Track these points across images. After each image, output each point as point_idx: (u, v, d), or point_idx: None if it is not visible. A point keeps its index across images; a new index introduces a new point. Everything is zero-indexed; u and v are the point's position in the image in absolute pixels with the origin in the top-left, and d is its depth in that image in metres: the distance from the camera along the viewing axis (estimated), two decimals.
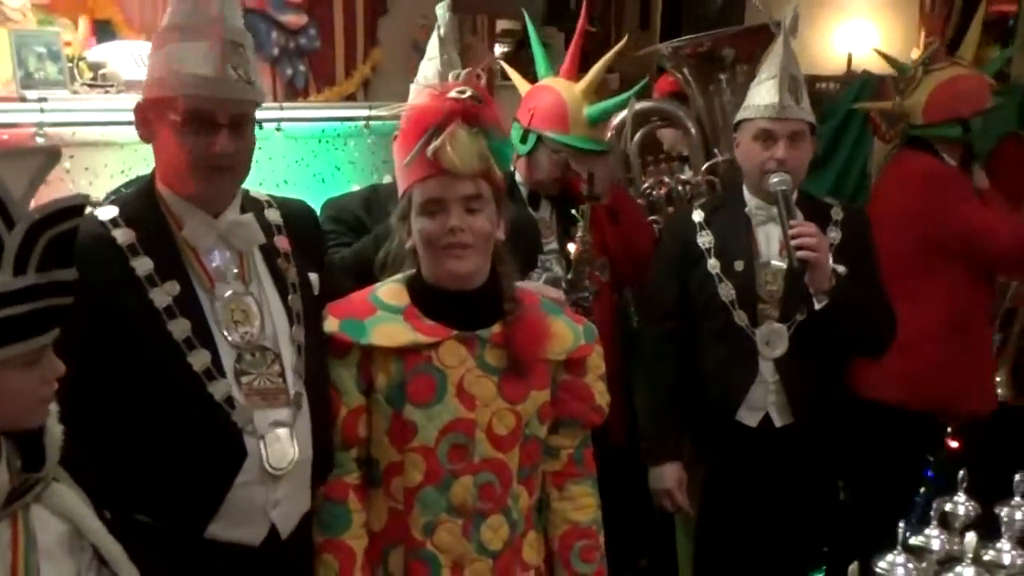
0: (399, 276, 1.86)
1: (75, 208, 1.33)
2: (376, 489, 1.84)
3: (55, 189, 2.39)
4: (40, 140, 2.39)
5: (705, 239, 2.57)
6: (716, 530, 2.64)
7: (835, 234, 2.51)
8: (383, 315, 1.80)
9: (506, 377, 1.81)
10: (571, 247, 2.56)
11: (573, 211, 2.58)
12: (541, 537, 1.95)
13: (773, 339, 2.47)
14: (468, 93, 1.72)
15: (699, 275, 2.55)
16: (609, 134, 3.26)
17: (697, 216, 2.62)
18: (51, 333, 1.33)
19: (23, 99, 2.52)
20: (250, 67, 1.68)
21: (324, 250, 1.99)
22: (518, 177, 2.78)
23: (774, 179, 2.42)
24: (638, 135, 3.48)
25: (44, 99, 2.49)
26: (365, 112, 3.06)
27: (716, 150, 3.44)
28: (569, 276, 2.53)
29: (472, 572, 1.82)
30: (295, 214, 1.88)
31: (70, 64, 2.72)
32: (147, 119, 1.69)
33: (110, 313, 1.62)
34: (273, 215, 1.83)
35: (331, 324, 1.80)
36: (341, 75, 4.60)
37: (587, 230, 2.53)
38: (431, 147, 1.70)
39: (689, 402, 2.60)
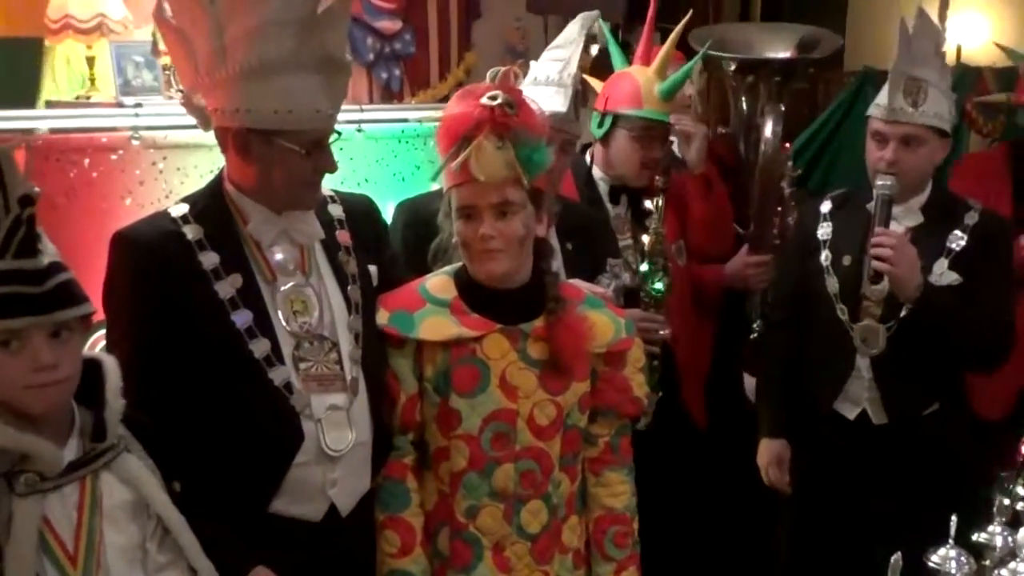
0: (447, 268, 1.94)
1: (29, 197, 1.41)
2: (428, 472, 1.93)
3: (149, 189, 2.56)
4: (135, 143, 2.54)
5: (824, 230, 2.57)
6: (808, 518, 2.63)
7: (961, 240, 2.46)
8: (431, 308, 1.87)
9: (547, 370, 1.87)
10: (645, 238, 2.58)
11: (647, 203, 2.59)
12: (583, 521, 2.00)
13: (869, 337, 2.44)
14: (499, 100, 1.75)
15: (813, 265, 2.56)
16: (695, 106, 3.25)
17: (824, 207, 2.61)
18: (22, 319, 1.41)
19: (121, 104, 2.69)
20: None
21: (384, 243, 2.07)
22: (596, 172, 2.82)
23: (879, 182, 2.42)
24: None
25: (140, 104, 2.65)
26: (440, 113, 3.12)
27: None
28: (643, 268, 2.55)
29: (512, 553, 1.89)
30: (357, 209, 1.97)
31: (166, 72, 2.88)
32: (247, 144, 1.74)
33: (179, 304, 1.73)
34: (336, 210, 1.92)
35: (382, 317, 1.88)
36: (435, 78, 4.73)
37: (660, 221, 2.55)
38: (457, 160, 1.76)
39: (793, 388, 2.62)
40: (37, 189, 1.42)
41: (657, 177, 2.67)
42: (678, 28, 2.83)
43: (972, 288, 2.41)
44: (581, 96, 2.42)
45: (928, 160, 2.45)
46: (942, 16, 2.89)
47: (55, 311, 1.43)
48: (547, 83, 2.38)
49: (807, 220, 2.67)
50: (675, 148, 3.05)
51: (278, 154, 1.72)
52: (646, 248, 2.60)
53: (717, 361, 3.07)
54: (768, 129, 3.22)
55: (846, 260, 2.50)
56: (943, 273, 2.42)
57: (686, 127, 2.75)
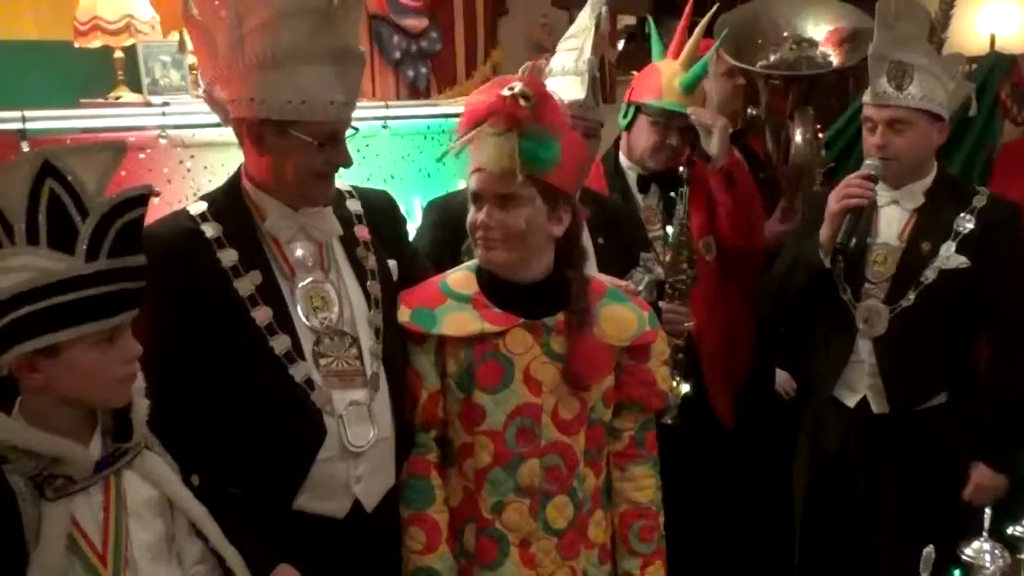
0: (468, 263, 1.93)
1: (140, 198, 1.45)
2: (452, 468, 1.92)
3: (177, 187, 2.57)
4: (163, 142, 2.56)
5: None
6: (818, 509, 2.62)
7: (968, 222, 2.44)
8: (452, 303, 1.86)
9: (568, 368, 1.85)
10: (669, 229, 2.57)
11: (672, 193, 2.58)
12: (608, 516, 1.99)
13: (872, 318, 2.44)
14: (516, 90, 1.74)
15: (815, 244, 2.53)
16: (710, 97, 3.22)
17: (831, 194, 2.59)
18: (123, 315, 1.44)
19: (149, 104, 2.71)
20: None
21: (404, 238, 2.07)
22: (625, 162, 2.81)
23: (867, 161, 2.45)
24: None
25: (167, 103, 2.67)
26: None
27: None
28: (667, 259, 2.54)
29: (538, 549, 1.88)
30: (375, 204, 1.97)
31: (192, 72, 2.91)
32: (261, 134, 1.74)
33: (198, 301, 1.74)
34: (354, 205, 1.92)
35: (403, 314, 1.87)
36: (462, 76, 4.71)
37: (686, 212, 2.53)
38: (458, 145, 1.77)
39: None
40: (157, 190, 1.45)
41: (681, 168, 2.66)
42: (703, 21, 2.82)
43: (982, 272, 2.40)
44: (600, 84, 2.40)
45: (920, 143, 2.45)
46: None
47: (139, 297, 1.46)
48: (564, 73, 2.37)
49: (816, 204, 2.65)
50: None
51: (291, 145, 1.72)
52: (670, 239, 2.59)
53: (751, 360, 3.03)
54: (799, 135, 3.21)
55: (852, 241, 2.47)
56: (950, 256, 2.41)
57: (704, 120, 2.73)
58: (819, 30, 3.30)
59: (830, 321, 2.53)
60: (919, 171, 2.49)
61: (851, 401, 2.51)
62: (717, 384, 2.82)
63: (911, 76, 2.40)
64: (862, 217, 2.45)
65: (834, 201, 2.44)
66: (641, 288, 2.21)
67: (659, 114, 2.70)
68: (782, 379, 3.21)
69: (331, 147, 1.75)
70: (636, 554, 1.97)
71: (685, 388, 2.55)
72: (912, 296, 2.41)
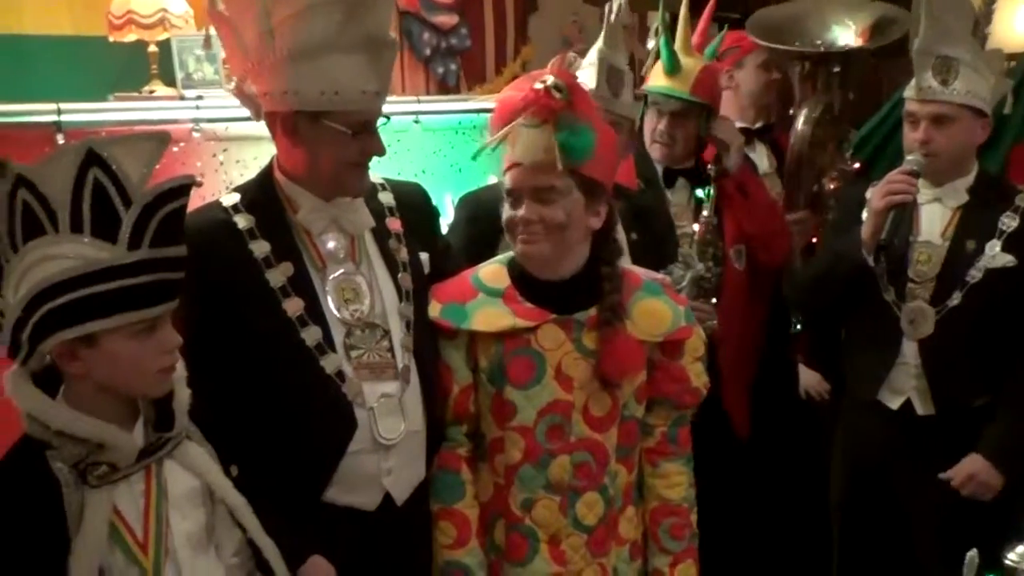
0: (501, 257, 1.92)
1: (183, 188, 1.45)
2: (483, 463, 1.91)
3: (210, 180, 2.58)
4: (196, 135, 2.57)
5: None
6: (857, 514, 2.58)
7: (1012, 221, 2.40)
8: (483, 298, 1.86)
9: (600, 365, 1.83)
10: (695, 227, 2.56)
11: (699, 191, 2.57)
12: (640, 512, 1.97)
13: (918, 319, 2.40)
14: (548, 82, 1.73)
15: (857, 242, 2.49)
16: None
17: (870, 192, 2.55)
18: (163, 305, 1.44)
19: (182, 97, 2.73)
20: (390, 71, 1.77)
21: (436, 231, 2.06)
22: (654, 155, 2.81)
23: (909, 157, 2.40)
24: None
25: (200, 97, 2.68)
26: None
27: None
28: (693, 254, 2.52)
29: (568, 546, 1.86)
30: (407, 196, 1.96)
31: (225, 66, 2.92)
32: (295, 126, 1.74)
33: (231, 292, 1.74)
34: (386, 198, 1.92)
35: (433, 309, 1.87)
36: (491, 72, 4.71)
37: (712, 211, 2.51)
38: (494, 141, 1.75)
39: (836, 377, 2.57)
40: (199, 178, 1.46)
41: (710, 166, 2.65)
42: (709, 6, 2.85)
43: None
44: (620, 76, 2.37)
45: (963, 139, 2.41)
46: None
47: (179, 288, 1.46)
48: (584, 65, 2.36)
49: (851, 200, 2.62)
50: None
51: (325, 136, 1.72)
52: (695, 236, 2.57)
53: (765, 363, 3.00)
54: (800, 121, 3.18)
55: (895, 239, 2.42)
56: (996, 255, 2.37)
57: (723, 135, 2.73)
58: (850, 32, 3.27)
59: (872, 322, 2.48)
60: (961, 168, 2.45)
61: (894, 403, 2.46)
62: (735, 394, 2.80)
63: (956, 71, 2.36)
64: (905, 214, 2.42)
65: (877, 198, 2.40)
66: (683, 285, 2.19)
67: (651, 100, 2.75)
68: (813, 381, 3.17)
69: (365, 136, 1.74)
70: (666, 552, 1.95)
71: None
72: (959, 296, 2.37)
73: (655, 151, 2.77)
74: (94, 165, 1.38)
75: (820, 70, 3.22)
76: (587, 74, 2.28)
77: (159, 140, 1.46)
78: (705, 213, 2.56)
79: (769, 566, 3.02)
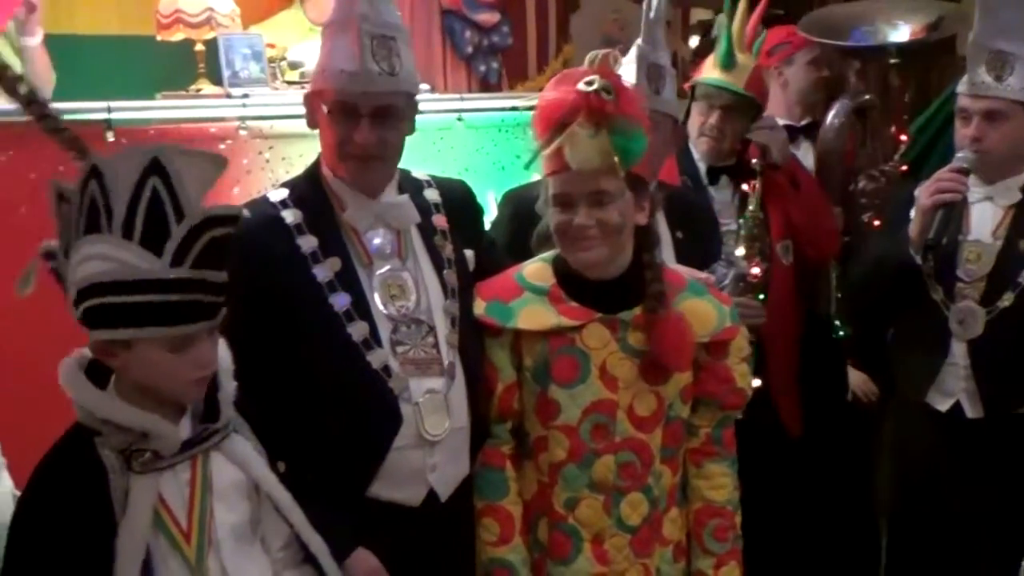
0: (545, 255, 1.91)
1: (233, 217, 1.46)
2: (527, 461, 1.90)
3: (256, 178, 2.61)
4: (243, 133, 2.60)
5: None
6: (906, 518, 2.55)
7: None
8: (528, 296, 1.85)
9: (648, 359, 1.82)
10: (740, 222, 2.54)
11: (745, 186, 2.55)
12: (684, 513, 1.96)
13: (967, 320, 2.36)
14: (595, 85, 1.71)
15: (905, 241, 2.46)
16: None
17: (918, 191, 2.51)
18: (198, 324, 1.44)
19: (229, 95, 2.76)
20: (398, 59, 1.76)
21: (481, 228, 2.06)
22: (695, 153, 2.79)
23: (959, 154, 2.36)
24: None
25: (247, 95, 2.72)
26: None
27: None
28: (739, 252, 2.50)
29: (611, 546, 1.85)
30: (453, 194, 1.96)
31: (272, 64, 2.95)
32: (310, 109, 1.82)
33: (278, 287, 1.75)
34: (432, 194, 1.92)
35: (478, 307, 1.86)
36: (533, 70, 4.71)
37: (758, 206, 2.49)
38: (550, 147, 1.73)
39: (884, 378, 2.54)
40: (247, 213, 1.47)
41: (754, 160, 2.63)
42: (761, 4, 2.84)
43: None
44: (662, 73, 2.34)
45: (1017, 136, 2.36)
46: None
47: (221, 311, 1.47)
48: (625, 63, 2.34)
49: (900, 199, 2.58)
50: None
51: (320, 118, 1.78)
52: (741, 231, 2.55)
53: (812, 361, 2.97)
54: (830, 116, 3.13)
55: (944, 238, 2.39)
56: None
57: (762, 139, 2.71)
58: (907, 30, 3.23)
59: (920, 322, 2.45)
60: (1014, 166, 2.40)
61: (943, 405, 2.42)
62: (784, 390, 2.77)
63: (1011, 66, 2.32)
64: (954, 213, 2.38)
65: (925, 196, 2.36)
66: (727, 283, 2.18)
67: (702, 93, 2.72)
68: (859, 382, 3.14)
69: (346, 121, 1.75)
70: (710, 553, 1.94)
71: (756, 383, 2.50)
72: (1011, 297, 2.33)
73: (702, 145, 2.75)
74: (156, 174, 1.39)
75: (872, 66, 3.19)
76: (626, 71, 2.27)
77: (218, 164, 1.48)
78: (751, 207, 2.53)
79: (815, 571, 2.99)
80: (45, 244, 1.46)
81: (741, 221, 2.56)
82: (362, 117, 1.75)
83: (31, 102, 1.48)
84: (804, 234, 2.77)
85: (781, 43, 3.24)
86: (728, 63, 2.68)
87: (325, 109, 1.76)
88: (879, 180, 3.18)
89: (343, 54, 1.73)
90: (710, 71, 2.73)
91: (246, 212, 1.47)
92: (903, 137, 3.17)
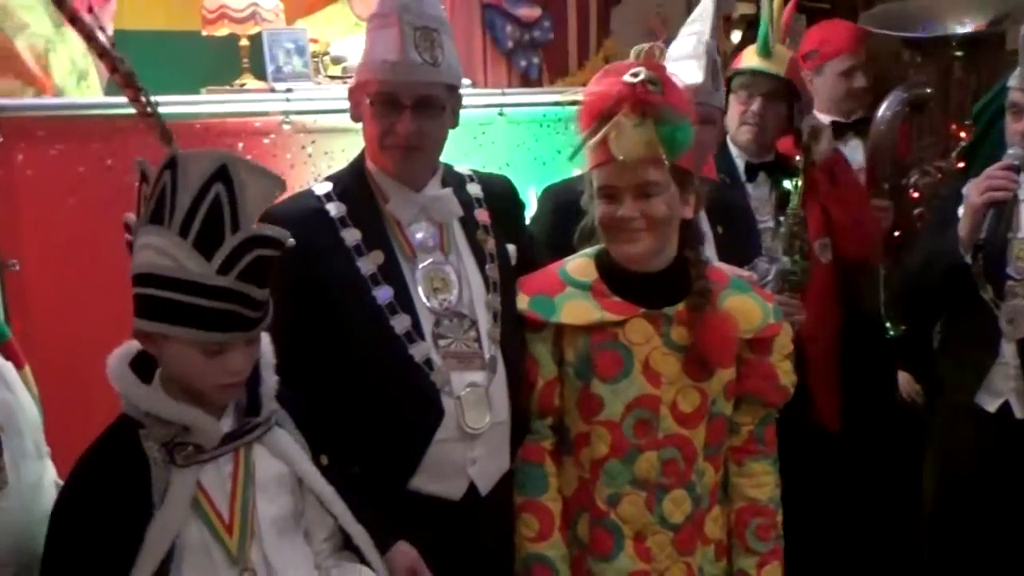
0: (589, 250, 1.90)
1: (280, 241, 1.47)
2: (568, 457, 1.90)
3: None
4: (286, 127, 2.61)
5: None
6: (949, 519, 2.50)
7: None
8: (571, 291, 1.84)
9: (691, 355, 1.81)
10: (781, 219, 2.52)
11: (786, 182, 2.52)
12: (726, 512, 1.94)
13: (1017, 319, 2.32)
14: (641, 76, 1.71)
15: (953, 240, 2.43)
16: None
17: (967, 188, 2.47)
18: (231, 334, 1.45)
19: (273, 90, 2.78)
20: (440, 51, 1.77)
21: (522, 223, 2.06)
22: (733, 149, 2.77)
23: (1010, 151, 2.33)
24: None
25: (290, 90, 2.73)
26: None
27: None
28: (779, 248, 2.48)
29: (654, 543, 1.84)
30: (495, 188, 1.96)
31: (315, 59, 2.96)
32: (354, 102, 1.83)
33: (322, 279, 1.76)
34: (474, 189, 1.92)
35: (521, 301, 1.86)
36: (574, 66, 4.68)
37: (799, 203, 2.47)
38: (595, 139, 1.72)
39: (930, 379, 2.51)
40: (291, 240, 1.48)
41: (796, 157, 2.60)
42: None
43: None
44: (719, 68, 2.35)
45: None
46: None
47: (259, 326, 1.49)
48: (683, 57, 2.32)
49: (948, 196, 2.54)
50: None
51: (364, 111, 1.79)
52: (781, 228, 2.53)
53: (854, 360, 2.93)
54: (881, 109, 3.08)
55: (994, 236, 2.35)
56: None
57: (813, 121, 2.69)
58: (968, 28, 3.17)
59: (969, 321, 2.41)
60: None
61: (991, 406, 2.38)
62: (824, 389, 2.74)
63: None
64: (1005, 210, 2.33)
65: (975, 194, 2.32)
66: (769, 280, 2.15)
67: (739, 82, 2.71)
68: (903, 381, 3.09)
69: (388, 112, 1.76)
70: (753, 552, 1.92)
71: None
72: None
73: (743, 135, 2.74)
74: (221, 180, 1.41)
75: (934, 60, 3.13)
76: (688, 67, 2.26)
77: (279, 185, 1.50)
78: (793, 204, 2.50)
79: (855, 572, 2.96)
80: (127, 216, 1.49)
81: (782, 219, 2.54)
82: (404, 108, 1.76)
83: (129, 84, 1.53)
84: (842, 232, 2.73)
85: (812, 51, 3.21)
86: (766, 51, 2.68)
87: (368, 101, 1.77)
88: (933, 175, 3.13)
89: (386, 45, 1.75)
90: (749, 59, 2.73)
91: (291, 241, 1.48)
92: (963, 134, 3.11)
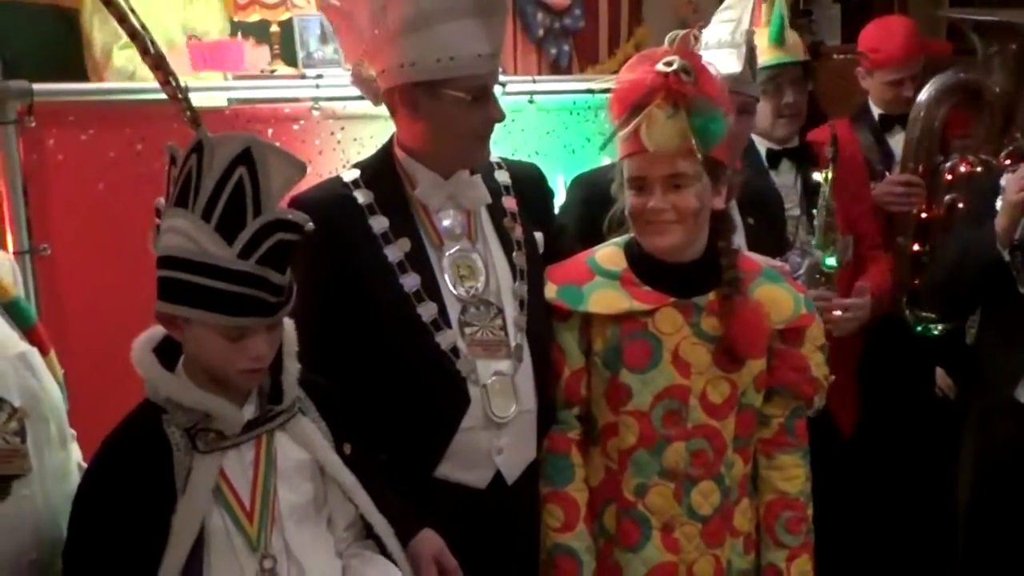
0: (618, 239, 1.88)
1: (300, 226, 1.45)
2: (594, 447, 1.88)
3: (328, 158, 2.62)
4: (315, 113, 2.61)
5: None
6: (987, 513, 2.48)
7: None
8: (600, 280, 1.82)
9: (721, 345, 1.79)
10: (815, 212, 2.48)
11: (816, 174, 2.49)
12: (754, 505, 1.92)
13: None
14: (675, 65, 1.68)
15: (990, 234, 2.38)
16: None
17: (1004, 180, 2.45)
18: (252, 319, 1.44)
19: (303, 76, 2.78)
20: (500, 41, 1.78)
21: (550, 211, 2.04)
22: (755, 137, 2.73)
23: None
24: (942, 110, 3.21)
25: (320, 76, 2.72)
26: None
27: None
28: (814, 242, 2.45)
29: (681, 535, 1.83)
30: (523, 176, 1.95)
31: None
32: (415, 99, 1.74)
33: (349, 266, 1.76)
34: (502, 176, 1.90)
35: (549, 290, 1.84)
36: (604, 54, 4.65)
37: (831, 193, 2.43)
38: (627, 129, 1.70)
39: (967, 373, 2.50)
40: (311, 224, 1.46)
41: (828, 148, 2.57)
42: None
43: None
44: (754, 57, 2.32)
45: None
46: None
47: (281, 311, 1.48)
48: (719, 46, 2.29)
49: (984, 190, 2.50)
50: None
51: (446, 106, 1.72)
52: (816, 222, 2.49)
53: (881, 357, 2.89)
54: (924, 93, 3.00)
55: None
56: None
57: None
58: None
59: (1007, 316, 2.38)
60: None
61: None
62: (838, 388, 2.70)
63: None
64: None
65: (1013, 190, 2.29)
66: (801, 272, 2.12)
67: (764, 76, 2.63)
68: (936, 376, 3.05)
69: (483, 102, 1.74)
70: (782, 546, 1.90)
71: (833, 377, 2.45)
72: None
73: (782, 127, 2.72)
74: (244, 163, 1.40)
75: (1009, 53, 3.05)
76: (726, 56, 2.23)
77: (301, 169, 1.49)
78: (825, 195, 2.46)
79: (887, 567, 2.93)
80: (158, 200, 1.49)
81: (815, 211, 2.50)
82: (489, 99, 1.76)
83: (159, 67, 1.53)
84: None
85: (868, 50, 3.15)
86: (780, 39, 2.66)
87: (462, 95, 1.71)
88: (975, 165, 3.07)
89: (471, 39, 1.70)
90: (765, 55, 2.66)
91: (310, 225, 1.46)
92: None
